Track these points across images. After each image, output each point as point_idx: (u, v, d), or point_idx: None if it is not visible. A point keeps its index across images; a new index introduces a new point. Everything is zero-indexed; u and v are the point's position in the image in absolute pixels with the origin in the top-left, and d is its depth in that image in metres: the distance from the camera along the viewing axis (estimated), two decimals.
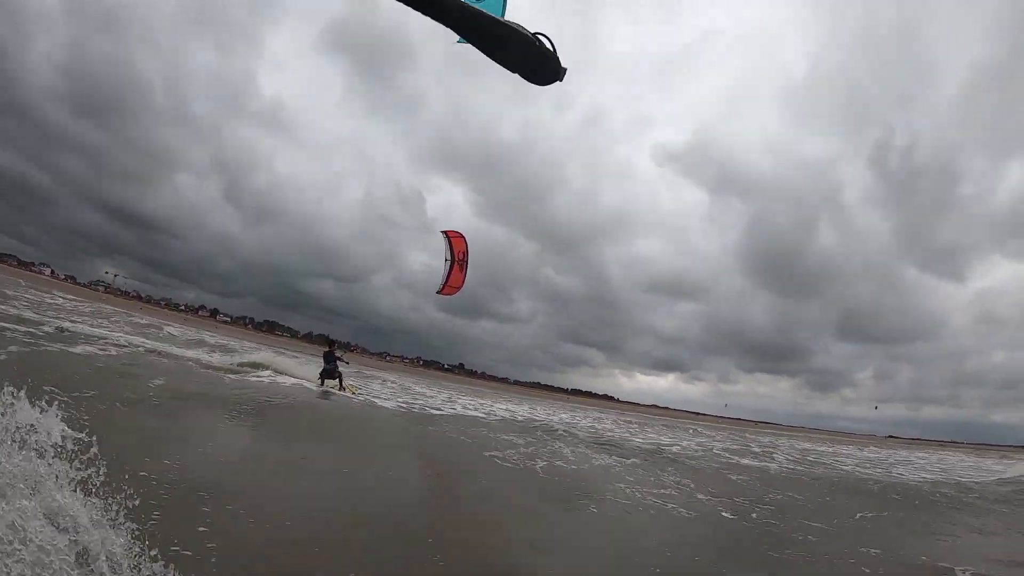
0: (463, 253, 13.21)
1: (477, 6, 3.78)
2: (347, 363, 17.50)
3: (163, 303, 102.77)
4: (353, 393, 16.18)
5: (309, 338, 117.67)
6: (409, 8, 3.15)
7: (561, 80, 4.15)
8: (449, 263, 13.25)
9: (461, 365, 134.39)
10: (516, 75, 4.16)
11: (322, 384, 15.83)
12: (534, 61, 3.83)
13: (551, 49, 4.08)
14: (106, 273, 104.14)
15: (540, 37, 4.07)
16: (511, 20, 4.03)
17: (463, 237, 13.41)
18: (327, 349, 16.60)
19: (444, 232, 13.63)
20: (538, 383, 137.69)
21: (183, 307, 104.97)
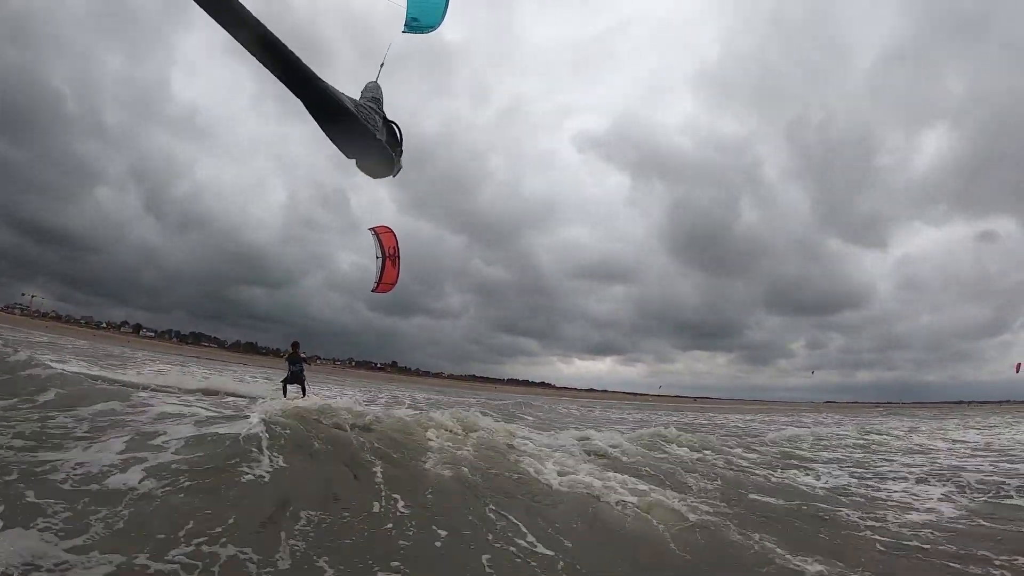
0: (394, 248, 12.62)
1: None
2: (310, 364, 16.36)
3: (83, 322, 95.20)
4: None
5: (237, 347, 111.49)
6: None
7: (394, 176, 3.89)
8: (381, 260, 12.66)
9: (394, 363, 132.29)
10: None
11: (284, 393, 14.27)
12: (367, 153, 3.44)
13: (396, 140, 3.83)
14: (23, 295, 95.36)
15: (393, 125, 3.79)
16: (369, 104, 3.71)
17: (392, 232, 12.83)
18: (291, 351, 15.01)
19: (372, 229, 13.04)
20: (473, 375, 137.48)
21: (104, 325, 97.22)
